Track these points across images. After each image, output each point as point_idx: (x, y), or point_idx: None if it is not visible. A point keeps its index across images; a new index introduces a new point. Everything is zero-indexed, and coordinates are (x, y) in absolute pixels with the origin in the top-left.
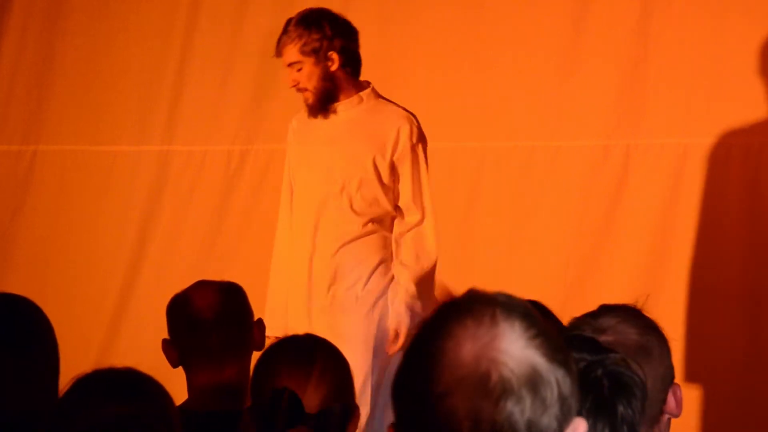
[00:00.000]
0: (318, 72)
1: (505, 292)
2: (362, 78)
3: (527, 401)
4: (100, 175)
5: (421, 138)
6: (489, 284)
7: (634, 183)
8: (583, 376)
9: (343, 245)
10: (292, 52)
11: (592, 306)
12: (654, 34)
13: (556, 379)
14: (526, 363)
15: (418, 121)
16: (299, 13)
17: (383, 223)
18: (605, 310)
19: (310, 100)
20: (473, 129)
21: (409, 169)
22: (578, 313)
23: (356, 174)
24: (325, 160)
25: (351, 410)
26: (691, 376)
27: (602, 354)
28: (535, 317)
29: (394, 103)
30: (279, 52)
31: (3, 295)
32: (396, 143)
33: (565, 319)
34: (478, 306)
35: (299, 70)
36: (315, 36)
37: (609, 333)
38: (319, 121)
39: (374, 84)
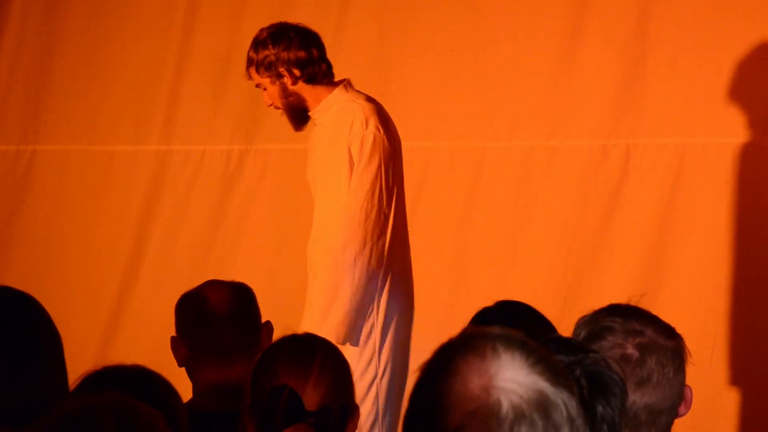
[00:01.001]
0: (277, 89)
1: (499, 326)
2: (362, 76)
3: (540, 425)
4: (98, 175)
5: (372, 129)
6: (488, 284)
7: (632, 182)
8: None
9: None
10: (252, 74)
11: (591, 305)
12: (653, 34)
13: (562, 401)
14: (533, 388)
15: (378, 112)
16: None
17: None
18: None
19: (286, 117)
20: (472, 129)
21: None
22: (578, 312)
23: None
24: (311, 171)
25: (350, 409)
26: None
27: (580, 354)
28: (533, 345)
29: (364, 95)
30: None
31: (2, 289)
32: (349, 138)
33: (565, 318)
34: (477, 341)
35: (264, 89)
36: (263, 55)
37: (645, 336)
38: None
39: (372, 83)
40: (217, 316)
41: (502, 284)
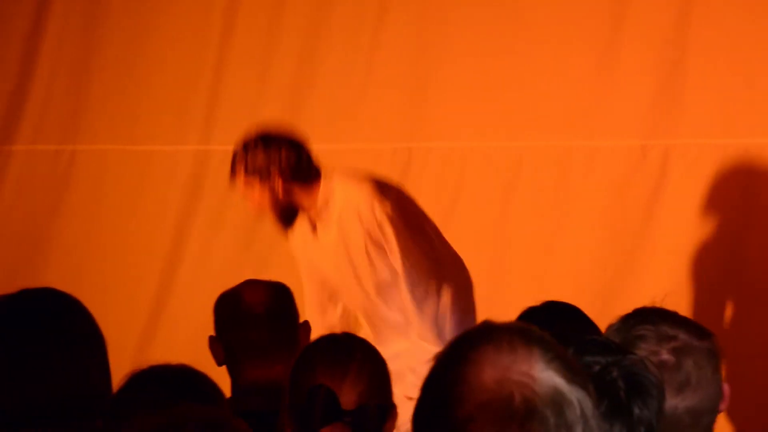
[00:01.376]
0: (267, 192)
1: (519, 321)
2: (400, 76)
3: (551, 421)
4: (137, 175)
5: (383, 201)
6: (526, 284)
7: (671, 183)
8: (599, 378)
9: None
10: (238, 175)
11: (630, 306)
12: (693, 34)
13: (577, 399)
14: (548, 384)
15: (373, 185)
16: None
17: None
18: (655, 317)
19: (274, 219)
20: (510, 129)
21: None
22: (618, 314)
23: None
24: (323, 266)
25: (388, 408)
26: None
27: (618, 355)
28: (551, 342)
29: (338, 172)
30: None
31: (44, 290)
32: (362, 223)
33: (604, 319)
34: (496, 333)
35: (250, 190)
36: (253, 156)
37: (678, 339)
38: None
39: (410, 85)
40: (253, 317)
41: (541, 285)
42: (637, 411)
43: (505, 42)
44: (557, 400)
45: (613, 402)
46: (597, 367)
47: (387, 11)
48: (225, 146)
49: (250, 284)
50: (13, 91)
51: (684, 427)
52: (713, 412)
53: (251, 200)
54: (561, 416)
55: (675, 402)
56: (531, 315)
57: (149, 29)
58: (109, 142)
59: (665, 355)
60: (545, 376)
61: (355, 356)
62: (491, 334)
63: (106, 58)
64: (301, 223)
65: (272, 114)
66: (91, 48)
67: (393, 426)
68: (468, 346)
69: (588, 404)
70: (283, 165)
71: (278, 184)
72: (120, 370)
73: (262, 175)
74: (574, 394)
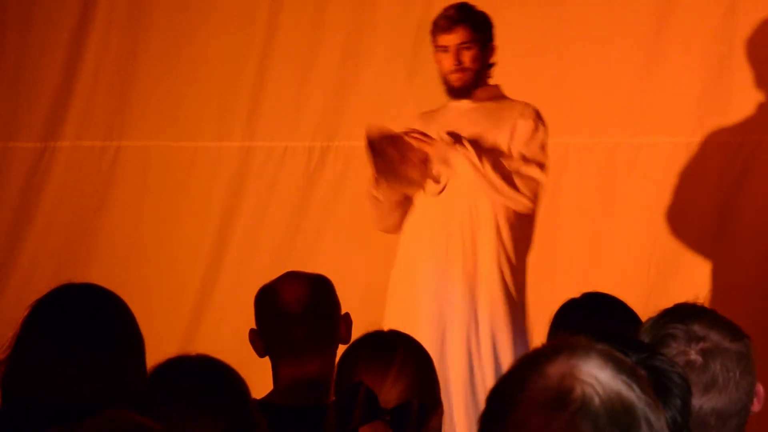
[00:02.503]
0: (482, 56)
1: (590, 340)
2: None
3: (603, 423)
4: (182, 171)
5: None
6: (571, 281)
7: (717, 179)
8: None
9: None
10: (467, 27)
11: (675, 302)
12: (739, 30)
13: (644, 415)
14: (613, 390)
15: None
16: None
17: None
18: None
19: (458, 82)
20: (556, 125)
21: None
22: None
23: None
24: None
25: (431, 406)
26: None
27: (644, 353)
28: (623, 360)
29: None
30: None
31: (86, 286)
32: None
33: (649, 315)
34: (572, 347)
35: (467, 49)
36: (486, 18)
37: (708, 340)
38: None
39: None
40: (289, 314)
41: (586, 281)
42: None
43: (550, 39)
44: (618, 408)
45: None
46: None
47: (432, 7)
48: (269, 142)
49: (289, 279)
50: (58, 88)
51: (709, 428)
52: (742, 414)
53: (454, 61)
54: (617, 424)
55: (700, 402)
56: (572, 306)
57: (194, 26)
58: (153, 139)
59: (693, 356)
60: (615, 383)
61: (398, 354)
62: (568, 347)
63: (150, 54)
64: None
65: (316, 110)
66: (136, 44)
67: (439, 425)
68: (540, 358)
69: (660, 425)
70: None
71: (491, 55)
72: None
73: (489, 38)
74: (641, 408)
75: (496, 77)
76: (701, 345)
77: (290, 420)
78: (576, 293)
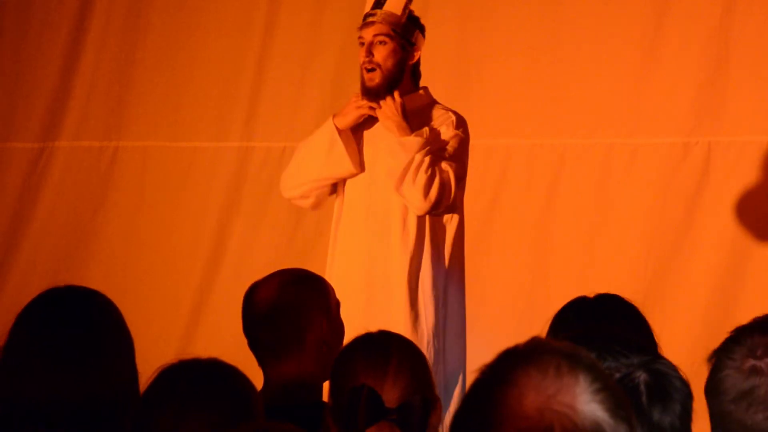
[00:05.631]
0: (398, 55)
1: (569, 344)
2: (442, 73)
3: None
4: (180, 171)
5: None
6: (567, 281)
7: (714, 180)
8: (621, 383)
9: None
10: (384, 22)
11: (671, 304)
12: (736, 31)
13: None
14: (590, 418)
15: None
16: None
17: None
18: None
19: (370, 82)
20: (552, 126)
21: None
22: (659, 310)
23: None
24: None
25: (432, 402)
26: None
27: (648, 357)
28: (600, 370)
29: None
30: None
31: (71, 289)
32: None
33: (646, 316)
34: (543, 356)
35: (380, 43)
36: (409, 17)
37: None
38: None
39: (453, 81)
40: (255, 313)
41: (582, 281)
42: (656, 416)
43: (547, 39)
44: None
45: (635, 407)
46: (618, 375)
47: (428, 9)
48: (267, 143)
49: (265, 279)
50: (56, 88)
51: None
52: None
53: (367, 56)
54: None
55: None
56: (580, 305)
57: (192, 26)
58: (151, 139)
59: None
60: (588, 409)
61: (392, 354)
62: (539, 355)
63: (148, 55)
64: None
65: (314, 111)
66: (134, 45)
67: (439, 418)
68: (513, 365)
69: None
70: (418, 48)
71: (408, 57)
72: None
73: (406, 38)
74: (615, 430)
75: (493, 77)
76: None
77: (276, 419)
78: (572, 294)
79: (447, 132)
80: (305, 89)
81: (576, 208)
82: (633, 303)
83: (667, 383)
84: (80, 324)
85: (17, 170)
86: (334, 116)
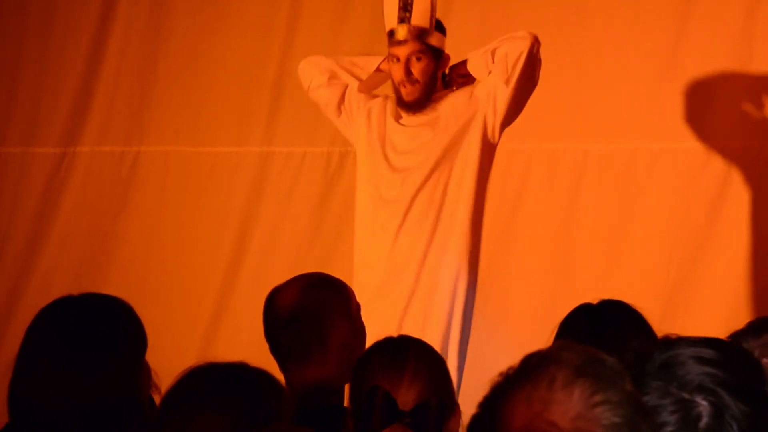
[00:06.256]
0: (432, 68)
1: (581, 348)
2: None
3: None
4: (201, 176)
5: None
6: (589, 286)
7: (736, 185)
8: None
9: None
10: (417, 36)
11: (694, 309)
12: (759, 36)
13: None
14: None
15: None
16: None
17: None
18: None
19: (410, 96)
20: (574, 130)
21: None
22: (681, 316)
23: None
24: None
25: (449, 407)
26: None
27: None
28: (608, 382)
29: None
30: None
31: (84, 296)
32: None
33: (667, 321)
34: (543, 368)
35: (417, 60)
36: (439, 30)
37: None
38: None
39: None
40: (277, 318)
41: (604, 286)
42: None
43: (570, 44)
44: None
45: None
46: (702, 409)
47: (449, 16)
48: (288, 148)
49: (287, 283)
50: (78, 93)
51: None
52: None
53: (404, 71)
54: None
55: None
56: (585, 313)
57: (212, 31)
58: (172, 144)
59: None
60: (575, 426)
61: (410, 357)
62: (538, 368)
63: (169, 60)
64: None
65: None
66: (155, 50)
67: (458, 425)
68: (514, 378)
69: None
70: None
71: (440, 69)
72: (184, 368)
73: (434, 51)
74: None
75: None
76: None
77: (297, 422)
78: (594, 299)
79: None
80: None
81: (598, 212)
82: (637, 309)
83: (726, 414)
84: (92, 329)
85: (39, 175)
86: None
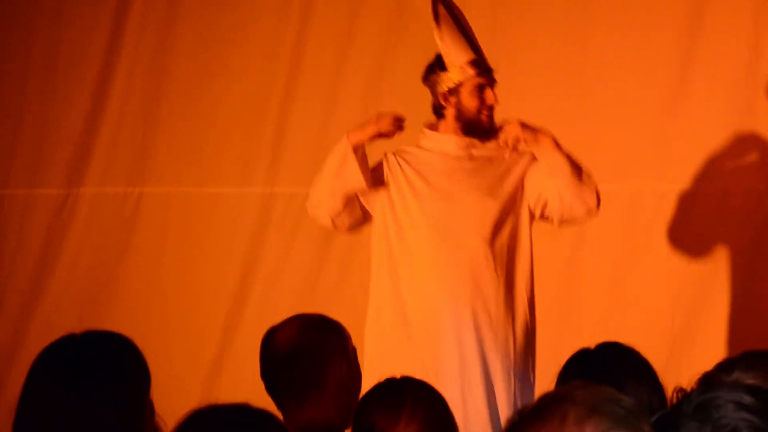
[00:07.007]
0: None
1: (597, 387)
2: None
3: None
4: (204, 217)
5: None
6: (594, 327)
7: (741, 227)
8: None
9: None
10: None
11: (699, 353)
12: (764, 75)
13: None
14: None
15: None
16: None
17: None
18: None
19: (487, 124)
20: None
21: None
22: (686, 359)
23: None
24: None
25: None
26: None
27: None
28: (619, 419)
29: None
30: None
31: (87, 333)
32: None
33: (673, 365)
34: (557, 406)
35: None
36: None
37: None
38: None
39: None
40: (275, 357)
41: (607, 328)
42: None
43: (572, 82)
44: None
45: None
46: None
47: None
48: (291, 188)
49: (284, 323)
50: (81, 134)
51: None
52: None
53: (494, 99)
54: None
55: None
56: (584, 357)
57: (215, 72)
58: (175, 185)
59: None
60: None
61: (408, 396)
62: (553, 405)
63: (172, 100)
64: None
65: None
66: (158, 91)
67: None
68: (529, 416)
69: None
70: None
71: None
72: (186, 410)
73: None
74: None
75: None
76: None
77: None
78: (599, 340)
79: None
80: (329, 134)
81: (603, 252)
82: (638, 351)
83: None
84: (95, 365)
85: (43, 216)
86: (348, 132)
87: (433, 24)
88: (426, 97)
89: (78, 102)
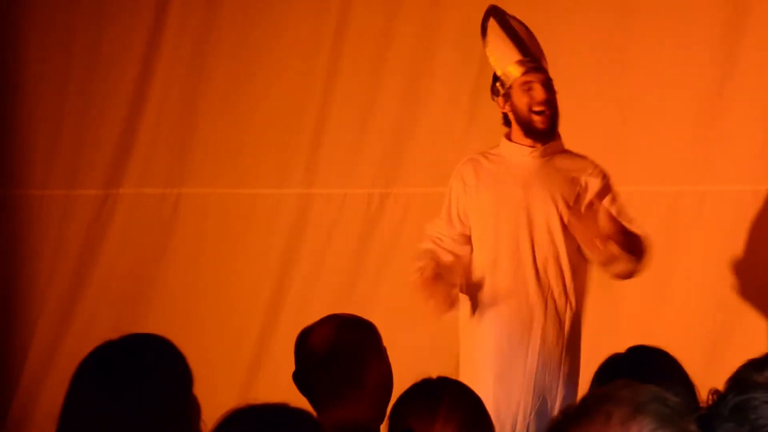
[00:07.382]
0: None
1: (642, 387)
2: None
3: None
4: (241, 218)
5: None
6: (635, 331)
7: None
8: None
9: None
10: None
11: (740, 353)
12: None
13: None
14: None
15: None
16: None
17: None
18: None
19: (545, 123)
20: (618, 173)
21: None
22: (726, 363)
23: None
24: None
25: None
26: None
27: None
28: (665, 418)
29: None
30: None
31: (133, 337)
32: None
33: (712, 368)
34: (602, 405)
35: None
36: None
37: None
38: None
39: None
40: (313, 356)
41: (650, 331)
42: None
43: (612, 86)
44: None
45: None
46: None
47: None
48: (328, 189)
49: (320, 322)
50: (121, 136)
51: None
52: None
53: (544, 96)
54: None
55: None
56: (615, 362)
57: (253, 73)
58: (213, 186)
59: None
60: None
61: (444, 397)
62: (596, 405)
63: (210, 102)
64: None
65: (374, 157)
66: (196, 93)
67: None
68: (572, 416)
69: None
70: None
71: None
72: (224, 410)
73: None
74: None
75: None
76: None
77: None
78: (640, 343)
79: (598, 183)
80: (366, 136)
81: None
82: (670, 354)
83: None
84: (135, 369)
85: (82, 217)
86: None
87: (481, 40)
88: (464, 102)
89: (117, 103)
